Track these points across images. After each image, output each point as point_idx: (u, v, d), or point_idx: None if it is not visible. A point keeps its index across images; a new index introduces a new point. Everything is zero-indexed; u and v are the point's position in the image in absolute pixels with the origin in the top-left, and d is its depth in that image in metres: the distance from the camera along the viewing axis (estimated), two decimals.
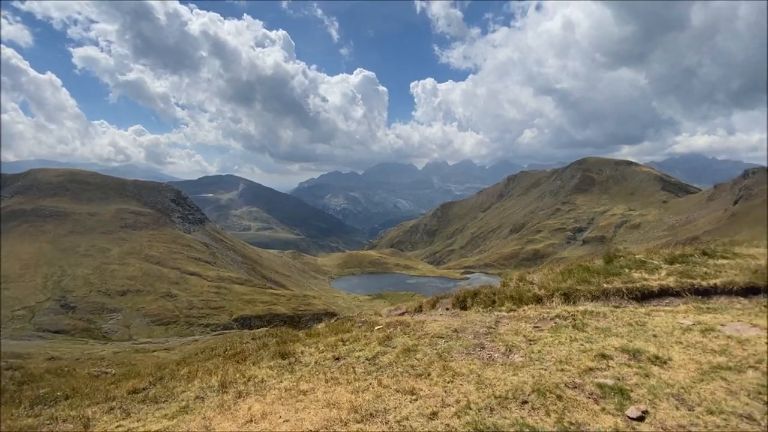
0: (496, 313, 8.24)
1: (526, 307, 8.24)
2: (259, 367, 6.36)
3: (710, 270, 8.07)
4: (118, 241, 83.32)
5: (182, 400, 5.64)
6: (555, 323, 6.73)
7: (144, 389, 6.87)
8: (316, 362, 6.18)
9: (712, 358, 4.55)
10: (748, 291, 7.18)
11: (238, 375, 6.06)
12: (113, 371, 19.93)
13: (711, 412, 3.55)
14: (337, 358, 6.17)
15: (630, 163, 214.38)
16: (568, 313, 7.06)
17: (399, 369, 5.26)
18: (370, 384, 4.84)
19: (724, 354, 4.65)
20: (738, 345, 4.88)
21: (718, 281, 7.47)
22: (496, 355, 5.52)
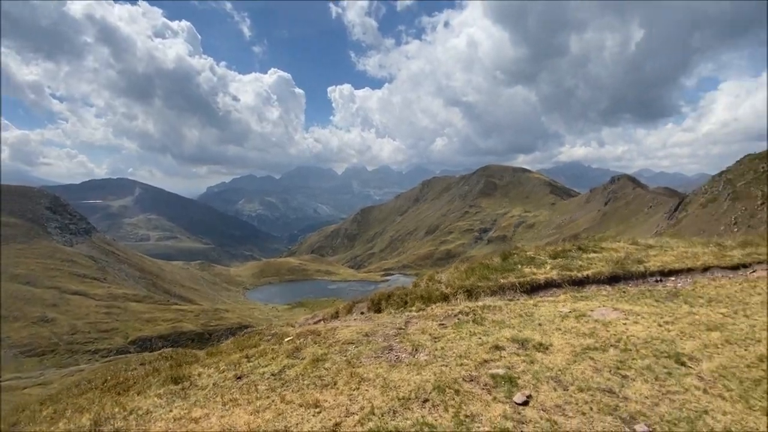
0: (407, 314, 8.44)
1: (434, 306, 8.58)
2: (145, 397, 5.58)
3: (584, 263, 9.33)
4: None
5: None
6: (458, 319, 7.12)
7: None
8: (214, 384, 5.64)
9: (583, 341, 5.19)
10: (612, 279, 8.46)
11: (117, 409, 5.23)
12: None
13: (581, 390, 4.02)
14: (239, 377, 5.70)
15: (525, 170, 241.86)
16: (470, 308, 7.52)
17: (305, 381, 5.04)
18: (273, 402, 4.54)
19: (593, 336, 5.35)
20: (603, 327, 5.66)
21: (589, 272, 8.66)
22: (403, 356, 5.62)
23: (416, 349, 5.77)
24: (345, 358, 5.71)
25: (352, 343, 6.49)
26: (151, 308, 68.23)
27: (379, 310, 10.11)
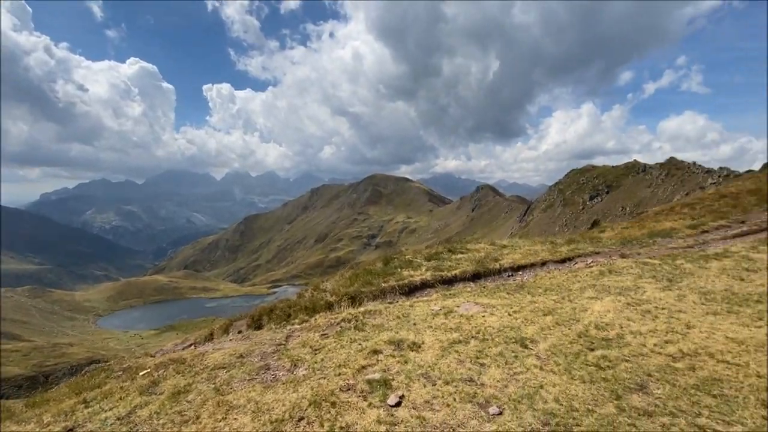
0: (289, 327, 8.07)
1: (317, 316, 8.40)
2: None
3: (453, 263, 10.33)
4: None
5: None
6: (340, 327, 7.09)
7: None
8: None
9: (450, 336, 5.68)
10: (475, 276, 9.53)
11: None
12: None
13: (447, 383, 4.35)
14: (71, 429, 4.62)
15: (407, 180, 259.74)
16: (352, 315, 7.57)
17: (161, 421, 4.34)
18: None
19: (458, 330, 5.90)
20: (466, 321, 6.29)
21: (457, 272, 9.61)
22: (280, 374, 5.32)
23: (295, 365, 5.53)
24: (213, 386, 5.13)
25: (223, 368, 5.89)
26: None
27: (260, 327, 9.48)
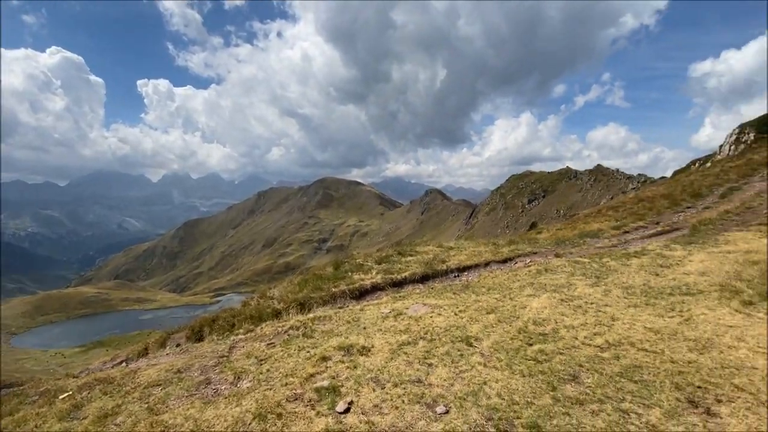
0: (233, 338, 7.68)
1: (264, 325, 8.09)
2: None
3: (403, 266, 10.48)
4: None
5: None
6: (288, 335, 6.88)
7: None
8: None
9: (399, 338, 5.73)
10: (424, 278, 9.74)
11: None
12: None
13: (396, 385, 4.38)
14: None
15: (358, 183, 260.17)
16: (301, 322, 7.39)
17: None
18: None
19: (407, 332, 5.97)
20: (415, 322, 6.39)
21: (407, 274, 9.76)
22: (222, 388, 5.04)
23: (239, 377, 5.27)
24: (146, 406, 4.73)
25: (158, 385, 5.45)
26: None
27: (200, 339, 8.94)
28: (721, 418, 3.54)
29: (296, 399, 4.26)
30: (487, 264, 10.30)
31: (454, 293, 8.08)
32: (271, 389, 4.59)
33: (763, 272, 7.29)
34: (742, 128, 35.38)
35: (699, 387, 4.00)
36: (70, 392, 5.97)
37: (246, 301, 10.73)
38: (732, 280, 6.95)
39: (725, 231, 10.97)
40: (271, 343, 6.62)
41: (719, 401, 3.77)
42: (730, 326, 5.27)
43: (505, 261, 10.52)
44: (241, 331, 8.07)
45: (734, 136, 35.55)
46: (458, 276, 9.72)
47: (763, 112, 35.80)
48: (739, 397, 3.80)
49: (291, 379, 4.79)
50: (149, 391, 5.29)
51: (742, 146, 33.31)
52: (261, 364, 5.56)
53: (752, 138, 33.26)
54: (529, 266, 9.70)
